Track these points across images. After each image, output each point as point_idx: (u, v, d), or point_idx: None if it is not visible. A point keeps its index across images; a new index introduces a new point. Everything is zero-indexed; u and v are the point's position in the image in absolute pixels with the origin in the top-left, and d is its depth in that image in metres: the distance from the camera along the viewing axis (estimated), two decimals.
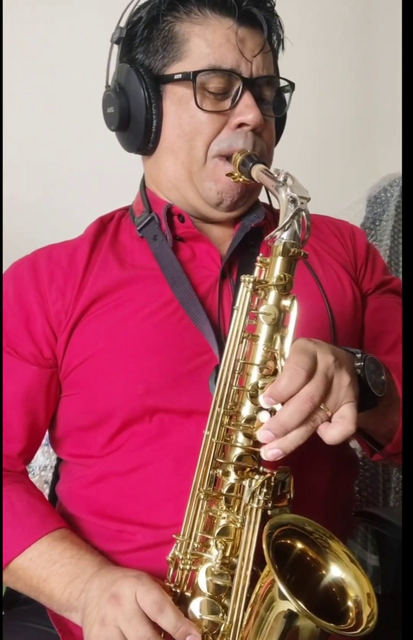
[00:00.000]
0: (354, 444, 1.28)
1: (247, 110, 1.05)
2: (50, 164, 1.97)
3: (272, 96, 1.11)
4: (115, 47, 1.12)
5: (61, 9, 1.94)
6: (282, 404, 0.84)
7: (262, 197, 1.17)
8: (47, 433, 1.16)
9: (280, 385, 0.83)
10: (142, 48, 1.09)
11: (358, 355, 0.93)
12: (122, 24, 1.10)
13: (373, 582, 1.48)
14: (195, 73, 1.04)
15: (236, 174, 1.05)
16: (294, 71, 2.10)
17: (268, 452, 0.83)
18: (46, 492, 1.24)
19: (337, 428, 0.84)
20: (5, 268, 1.16)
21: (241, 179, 1.05)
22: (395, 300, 1.20)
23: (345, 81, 2.25)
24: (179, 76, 1.05)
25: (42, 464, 1.77)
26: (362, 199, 2.14)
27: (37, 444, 1.15)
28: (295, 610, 0.78)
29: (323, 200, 2.05)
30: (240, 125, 1.06)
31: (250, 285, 0.91)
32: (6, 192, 1.87)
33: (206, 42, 1.05)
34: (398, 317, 1.14)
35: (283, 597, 0.79)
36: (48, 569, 1.00)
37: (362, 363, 0.92)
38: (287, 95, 1.14)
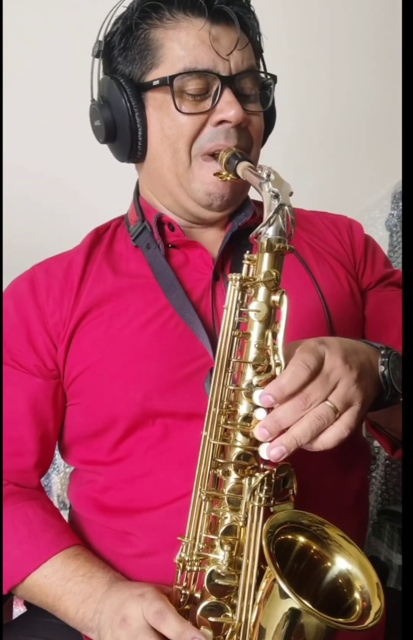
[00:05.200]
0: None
1: (227, 108, 1.04)
2: (51, 171, 1.99)
3: (255, 90, 1.10)
4: (97, 61, 1.13)
5: (64, 15, 1.96)
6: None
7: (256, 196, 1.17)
8: None
9: (282, 381, 0.82)
10: (121, 58, 1.10)
11: (382, 352, 0.92)
12: (101, 37, 1.11)
13: (398, 582, 1.47)
14: (172, 77, 1.04)
15: (223, 173, 1.05)
16: (316, 65, 2.10)
17: (271, 451, 0.82)
18: None
19: (332, 431, 0.83)
20: (5, 269, 1.18)
21: (228, 178, 1.05)
22: (397, 294, 1.19)
23: (368, 77, 2.23)
24: (157, 82, 1.05)
25: None
26: (387, 195, 2.12)
27: (51, 456, 1.16)
28: (298, 608, 0.78)
29: (349, 198, 2.05)
30: (222, 122, 1.05)
31: (238, 284, 0.91)
32: (6, 195, 1.90)
33: (180, 45, 1.05)
34: (401, 310, 1.13)
35: (285, 596, 0.78)
36: (62, 586, 1.01)
37: (387, 359, 0.91)
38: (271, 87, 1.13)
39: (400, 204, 2.06)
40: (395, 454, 1.16)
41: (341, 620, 0.80)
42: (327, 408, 0.82)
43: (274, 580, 0.79)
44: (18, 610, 1.29)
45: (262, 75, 1.11)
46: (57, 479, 1.86)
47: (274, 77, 1.12)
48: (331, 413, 0.82)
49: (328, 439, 0.83)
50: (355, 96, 2.23)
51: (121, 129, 1.10)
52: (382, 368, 0.90)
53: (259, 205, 1.18)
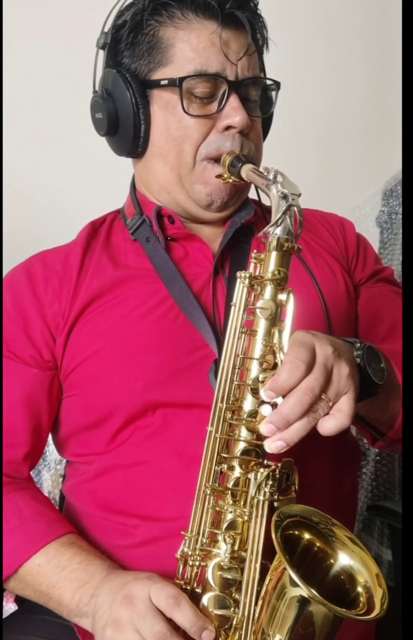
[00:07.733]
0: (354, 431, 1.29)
1: (233, 113, 1.06)
2: (48, 166, 2.00)
3: (258, 95, 1.12)
4: (101, 52, 1.13)
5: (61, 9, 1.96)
6: (283, 397, 0.85)
7: (252, 194, 1.19)
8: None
9: (280, 379, 0.83)
10: (128, 52, 1.10)
11: (357, 345, 0.94)
12: (106, 29, 1.12)
13: (388, 577, 1.49)
14: (182, 79, 1.05)
15: (226, 175, 1.07)
16: (309, 64, 2.12)
17: (272, 445, 0.84)
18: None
19: (332, 421, 0.85)
20: (5, 265, 1.18)
21: (231, 180, 1.07)
22: (388, 289, 1.21)
23: (359, 74, 2.24)
24: (165, 82, 1.06)
25: (57, 458, 1.78)
26: (378, 193, 2.13)
27: (42, 448, 1.16)
28: (306, 596, 0.79)
29: (339, 195, 2.07)
30: (228, 127, 1.07)
31: (247, 281, 0.92)
32: (6, 194, 1.90)
33: (191, 47, 1.06)
34: (392, 305, 1.16)
35: (294, 584, 0.79)
36: (57, 574, 1.00)
37: (361, 352, 0.93)
38: (273, 94, 1.15)
39: (390, 201, 2.08)
40: (375, 444, 1.19)
41: (344, 610, 0.81)
42: (321, 400, 0.84)
43: (283, 570, 0.81)
44: (8, 607, 1.26)
45: (267, 81, 1.13)
46: (48, 475, 1.86)
47: (278, 84, 1.14)
48: (324, 403, 0.84)
49: (328, 429, 0.85)
50: (345, 94, 2.25)
51: (124, 123, 1.11)
52: (358, 360, 0.92)
53: (257, 203, 1.21)
